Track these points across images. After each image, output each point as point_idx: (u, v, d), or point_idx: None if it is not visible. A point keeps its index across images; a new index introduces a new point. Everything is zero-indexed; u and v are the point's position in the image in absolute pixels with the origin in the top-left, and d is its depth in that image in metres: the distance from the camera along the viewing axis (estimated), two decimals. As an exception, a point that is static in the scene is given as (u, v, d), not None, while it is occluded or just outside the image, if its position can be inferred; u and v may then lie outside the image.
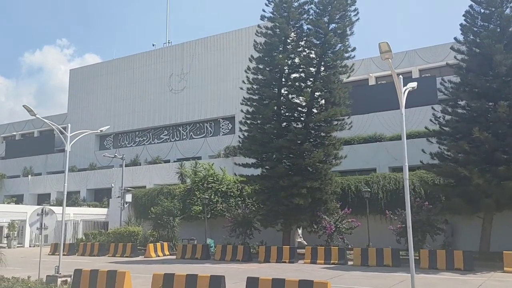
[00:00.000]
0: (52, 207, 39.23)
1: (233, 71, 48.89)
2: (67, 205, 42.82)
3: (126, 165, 48.93)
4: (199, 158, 47.07)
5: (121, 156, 34.70)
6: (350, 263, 21.42)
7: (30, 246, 36.74)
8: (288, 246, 22.99)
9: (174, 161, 49.14)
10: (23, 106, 14.10)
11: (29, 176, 50.67)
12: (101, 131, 20.60)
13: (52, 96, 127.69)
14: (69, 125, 16.66)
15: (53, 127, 16.24)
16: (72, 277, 13.91)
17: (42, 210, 15.64)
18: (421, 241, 21.79)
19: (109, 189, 47.21)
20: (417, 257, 19.52)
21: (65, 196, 16.01)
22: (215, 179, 31.14)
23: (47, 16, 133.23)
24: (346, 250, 22.11)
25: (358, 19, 24.65)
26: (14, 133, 64.43)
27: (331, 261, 21.56)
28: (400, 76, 12.33)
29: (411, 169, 31.92)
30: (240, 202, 29.84)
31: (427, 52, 45.79)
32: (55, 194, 48.17)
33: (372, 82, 48.25)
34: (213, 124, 51.06)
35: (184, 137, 52.47)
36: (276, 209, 24.47)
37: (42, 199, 48.94)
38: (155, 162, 46.63)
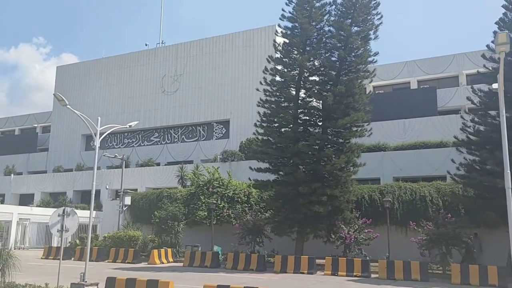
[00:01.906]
0: (39, 208, 37.27)
1: (228, 75, 47.91)
2: (53, 207, 41.17)
3: (115, 167, 47.24)
4: (191, 162, 45.65)
5: (121, 157, 32.97)
6: (373, 275, 20.51)
7: (14, 249, 34.54)
8: (307, 256, 21.91)
9: (165, 164, 47.57)
10: (53, 94, 12.68)
11: (12, 175, 48.14)
12: (130, 126, 19.19)
13: (25, 94, 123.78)
14: (99, 118, 15.28)
15: (84, 121, 14.79)
16: (97, 285, 12.55)
17: (64, 211, 14.16)
18: (446, 255, 21.05)
19: (97, 191, 45.23)
20: (449, 272, 18.82)
21: (93, 196, 14.59)
22: (220, 183, 29.83)
23: (24, 13, 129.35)
24: (369, 262, 21.17)
25: (381, 23, 24.01)
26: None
27: (354, 273, 20.60)
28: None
29: (422, 179, 31.85)
30: (247, 208, 28.66)
31: (426, 63, 45.77)
32: (39, 194, 45.81)
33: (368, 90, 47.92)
34: (206, 127, 49.70)
35: (175, 140, 50.93)
36: (292, 216, 23.40)
37: (25, 199, 46.44)
38: (147, 164, 44.92)
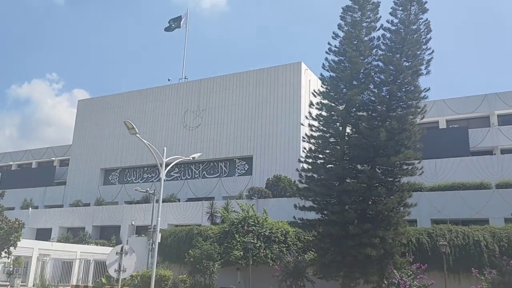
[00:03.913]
0: (59, 243, 35.87)
1: (252, 111, 47.31)
2: (73, 242, 39.77)
3: (136, 202, 46.02)
4: (212, 198, 44.52)
5: (153, 192, 31.84)
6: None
7: (33, 286, 32.98)
8: (359, 302, 20.40)
9: (185, 201, 46.41)
10: (124, 122, 11.85)
11: (30, 209, 46.95)
12: (193, 157, 18.27)
13: (35, 129, 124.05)
14: (165, 149, 14.35)
15: (152, 151, 13.85)
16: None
17: (122, 249, 12.99)
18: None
19: (117, 227, 43.96)
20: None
21: (158, 230, 13.43)
22: (255, 221, 28.49)
23: (38, 49, 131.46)
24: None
25: (432, 58, 23.35)
26: (11, 163, 60.75)
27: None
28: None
29: (462, 222, 30.44)
30: (284, 248, 27.21)
31: (456, 102, 45.06)
32: (57, 229, 44.46)
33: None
34: (228, 164, 48.68)
35: (196, 176, 49.81)
36: (340, 259, 21.98)
37: (42, 234, 45.06)
38: (170, 200, 43.66)
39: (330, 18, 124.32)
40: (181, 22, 57.27)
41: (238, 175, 47.38)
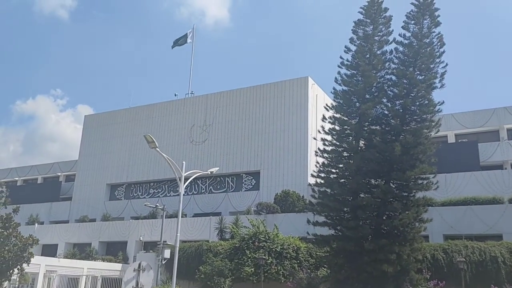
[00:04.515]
0: (66, 260, 35.42)
1: (259, 126, 47.10)
2: (79, 258, 39.32)
3: (143, 218, 45.61)
4: (219, 213, 44.06)
5: (162, 207, 31.51)
6: None
7: (39, 304, 32.45)
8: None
9: (192, 216, 45.92)
10: (144, 136, 11.65)
11: (36, 224, 46.61)
12: (211, 172, 18.02)
13: (39, 145, 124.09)
14: (183, 163, 14.12)
15: (171, 165, 13.62)
16: None
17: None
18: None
19: (124, 243, 43.46)
20: None
21: (177, 248, 13.11)
22: (266, 237, 28.08)
23: (43, 65, 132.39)
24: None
25: (446, 71, 23.20)
26: (16, 178, 60.57)
27: None
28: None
29: (475, 238, 29.94)
30: (296, 264, 26.75)
31: (465, 116, 44.85)
32: (63, 245, 44.02)
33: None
34: (235, 179, 48.27)
35: (202, 191, 49.41)
36: (355, 275, 21.53)
37: (48, 249, 44.62)
38: (177, 216, 43.10)
39: (334, 33, 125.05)
40: (188, 38, 57.50)
41: (245, 190, 46.96)
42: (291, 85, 47.18)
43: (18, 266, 15.42)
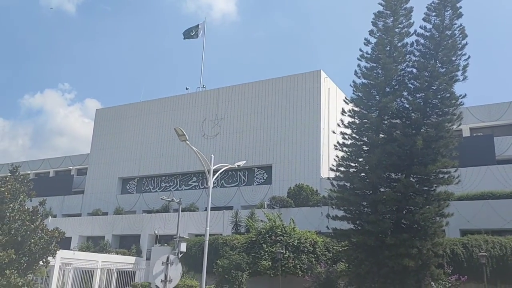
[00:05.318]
0: (81, 252, 35.51)
1: (271, 119, 46.92)
2: (94, 251, 39.42)
3: (156, 211, 45.70)
4: (231, 207, 44.05)
5: (178, 201, 31.48)
6: None
7: (55, 297, 32.58)
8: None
9: (204, 210, 45.94)
10: (174, 128, 11.53)
11: (49, 218, 46.78)
12: (238, 165, 17.92)
13: (47, 138, 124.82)
14: (212, 156, 14.00)
15: (200, 159, 13.49)
16: None
17: (167, 259, 12.59)
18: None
19: (137, 236, 43.57)
20: None
21: (207, 241, 13.01)
22: (283, 231, 27.97)
23: (51, 59, 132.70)
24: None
25: (468, 64, 22.84)
26: (28, 172, 60.78)
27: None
28: None
29: (493, 232, 29.65)
30: (313, 259, 26.64)
31: (480, 110, 44.32)
32: (77, 238, 44.20)
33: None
34: (247, 173, 48.17)
35: (214, 185, 49.29)
36: (375, 270, 21.36)
37: (62, 243, 44.53)
38: (190, 209, 43.25)
39: (343, 26, 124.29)
40: (198, 31, 57.26)
41: (257, 184, 46.93)
42: (304, 78, 46.90)
43: (43, 259, 15.38)
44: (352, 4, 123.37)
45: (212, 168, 13.47)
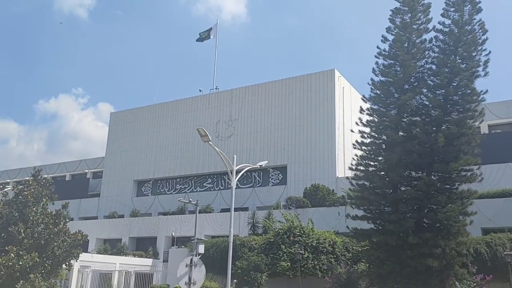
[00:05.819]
0: (99, 255, 35.65)
1: (285, 120, 46.68)
2: (111, 254, 39.58)
3: (172, 213, 45.74)
4: (246, 209, 43.88)
5: (195, 202, 31.45)
6: None
7: (75, 300, 32.74)
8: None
9: (219, 211, 45.85)
10: (197, 129, 11.45)
11: (67, 220, 47.06)
12: (260, 165, 17.82)
13: (62, 143, 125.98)
14: (234, 156, 13.90)
15: (223, 159, 13.40)
16: None
17: (191, 261, 12.48)
18: None
19: (153, 238, 43.66)
20: None
21: (231, 243, 12.90)
22: (301, 231, 27.74)
23: (64, 64, 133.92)
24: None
25: (489, 59, 22.41)
26: (45, 176, 61.24)
27: None
28: None
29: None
30: (332, 259, 26.37)
31: (499, 106, 43.60)
32: (94, 241, 44.41)
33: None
34: (261, 173, 47.97)
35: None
36: (398, 270, 21.03)
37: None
38: (205, 211, 43.20)
39: (354, 25, 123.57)
40: (211, 33, 57.28)
41: (272, 185, 46.76)
42: (317, 78, 46.60)
43: (66, 262, 15.37)
44: (360, 3, 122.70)
45: (235, 168, 13.34)
